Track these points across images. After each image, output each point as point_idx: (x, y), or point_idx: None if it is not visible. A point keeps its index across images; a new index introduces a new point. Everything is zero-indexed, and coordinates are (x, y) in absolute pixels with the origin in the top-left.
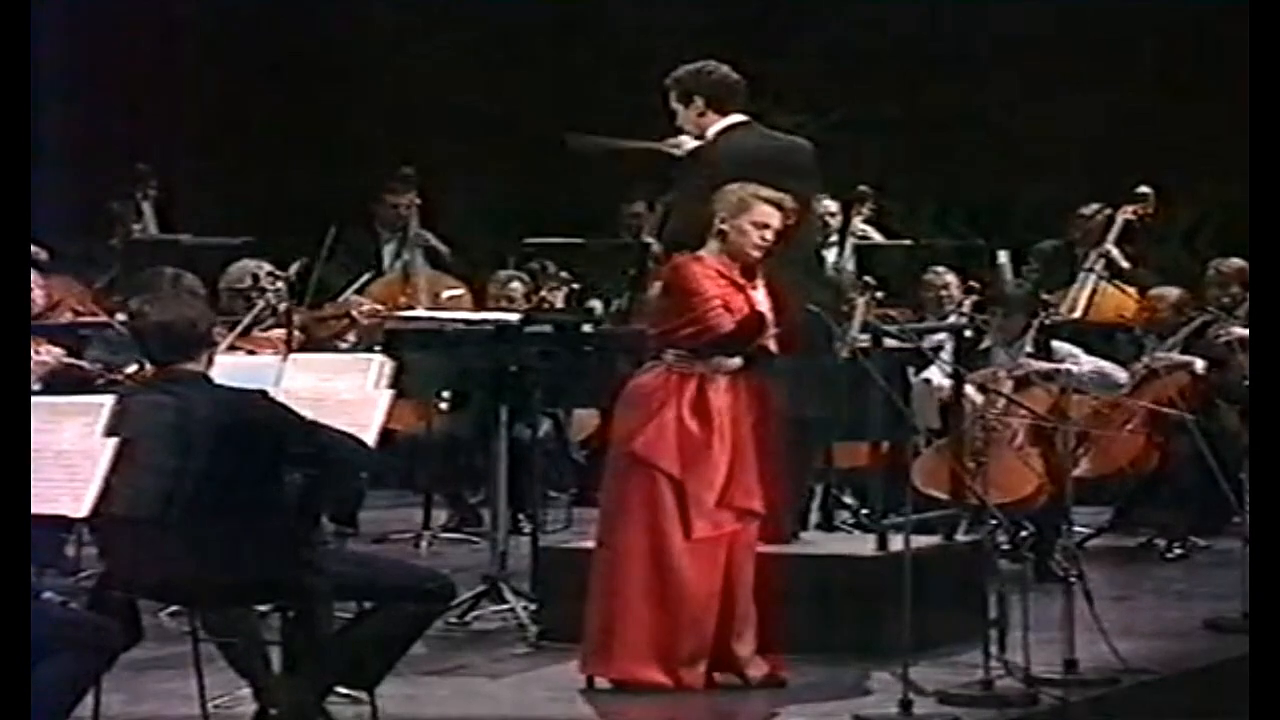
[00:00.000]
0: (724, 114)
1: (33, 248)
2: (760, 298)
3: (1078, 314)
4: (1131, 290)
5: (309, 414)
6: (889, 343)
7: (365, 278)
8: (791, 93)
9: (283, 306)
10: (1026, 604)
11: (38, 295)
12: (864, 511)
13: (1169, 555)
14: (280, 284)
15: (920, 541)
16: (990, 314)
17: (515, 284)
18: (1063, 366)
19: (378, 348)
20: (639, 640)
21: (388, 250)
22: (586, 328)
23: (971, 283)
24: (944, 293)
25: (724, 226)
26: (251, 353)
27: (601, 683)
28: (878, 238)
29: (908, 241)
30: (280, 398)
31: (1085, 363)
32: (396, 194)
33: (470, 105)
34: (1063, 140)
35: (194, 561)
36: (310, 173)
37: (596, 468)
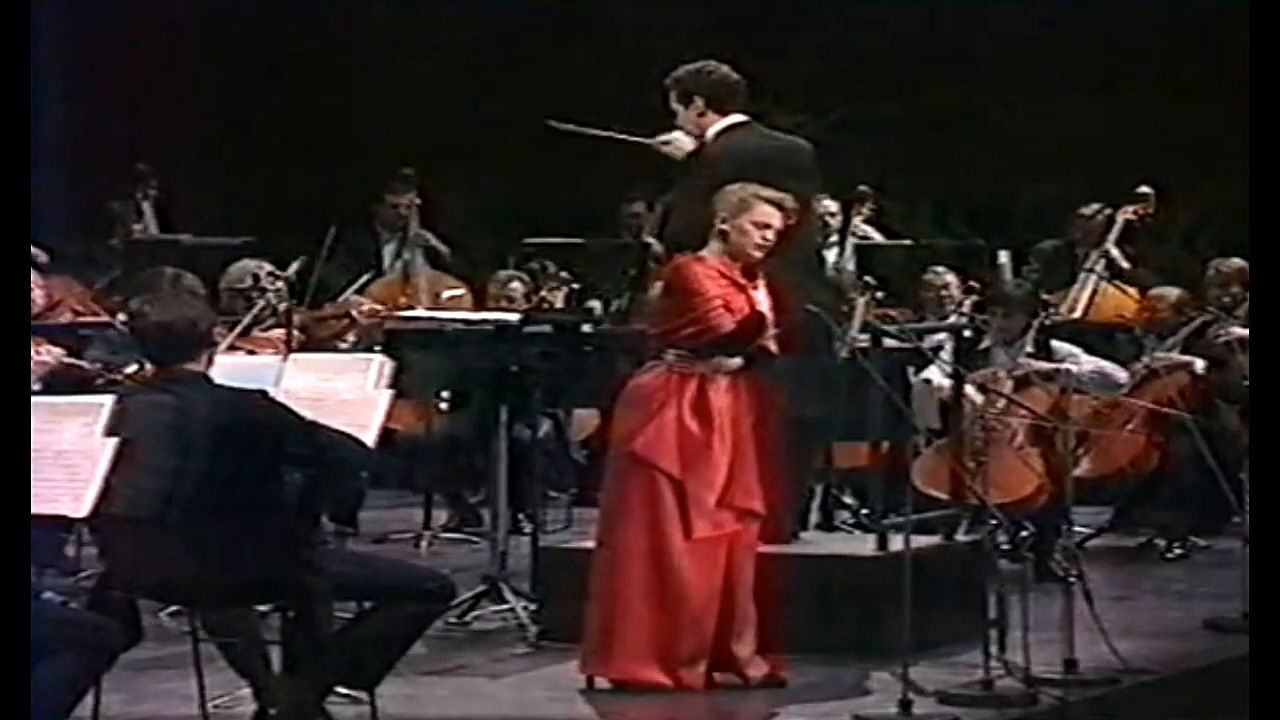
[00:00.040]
0: (724, 114)
1: (33, 249)
2: (761, 298)
3: (1078, 314)
4: (1132, 290)
5: (309, 414)
6: (889, 343)
7: (365, 278)
8: (791, 93)
9: (283, 306)
10: (1026, 604)
11: (38, 295)
12: (864, 511)
13: (1169, 555)
14: (280, 284)
15: (920, 541)
16: (990, 314)
17: (515, 284)
18: (1063, 366)
19: (378, 348)
20: (639, 640)
21: (388, 250)
22: (586, 328)
23: (971, 283)
24: (944, 293)
25: (725, 227)
26: (251, 353)
27: (601, 683)
28: (878, 238)
29: (908, 241)
30: (280, 398)
31: (1085, 362)
32: (396, 194)
33: (470, 105)
34: (1063, 140)
35: (194, 561)
36: (310, 173)
37: (596, 468)
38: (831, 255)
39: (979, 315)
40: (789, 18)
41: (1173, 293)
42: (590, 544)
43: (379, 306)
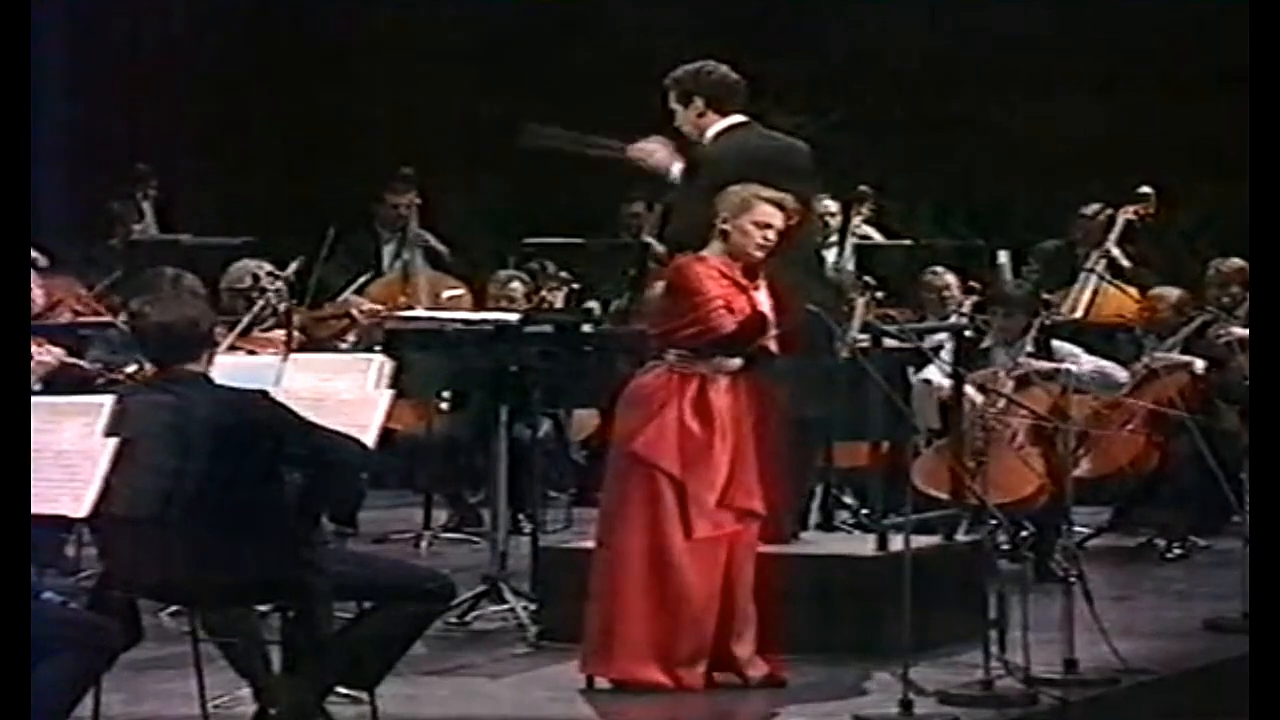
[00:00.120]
0: (723, 114)
1: (33, 253)
2: (762, 298)
3: (1078, 314)
4: (1132, 290)
5: (309, 414)
6: (889, 343)
7: (364, 278)
8: (791, 93)
9: (283, 306)
10: (1026, 604)
11: (38, 295)
12: (864, 511)
13: (1169, 555)
14: (280, 284)
15: (920, 541)
16: (991, 314)
17: (515, 284)
18: (1063, 366)
19: (378, 348)
20: (639, 640)
21: (388, 250)
22: (586, 328)
23: (972, 283)
24: (945, 293)
25: (726, 227)
26: (251, 353)
27: (601, 683)
28: (878, 238)
29: (908, 241)
30: (280, 398)
31: (1085, 362)
32: (396, 194)
33: (470, 105)
34: (1063, 140)
35: (194, 561)
36: (310, 173)
37: (596, 468)
38: (831, 255)
39: (979, 315)
40: (789, 18)
41: (1173, 293)
42: (590, 544)
43: (379, 306)
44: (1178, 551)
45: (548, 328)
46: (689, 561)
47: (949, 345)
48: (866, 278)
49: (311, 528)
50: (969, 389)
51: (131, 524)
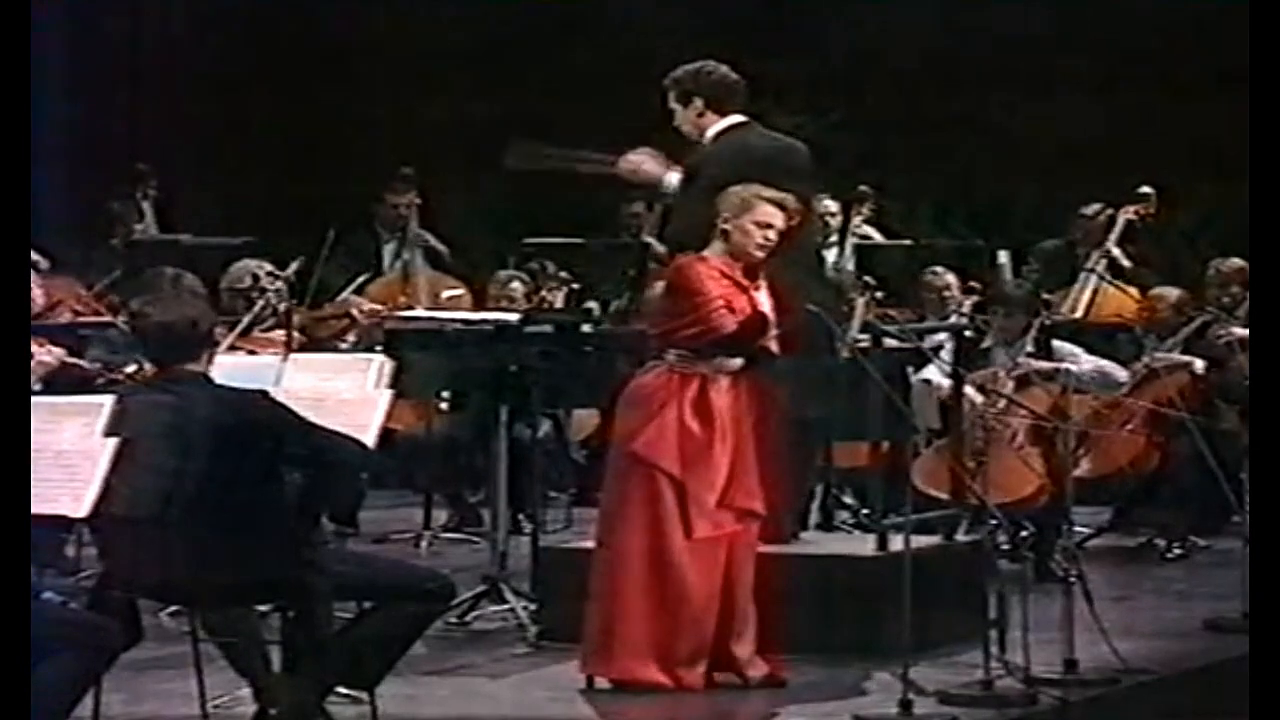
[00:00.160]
0: (723, 114)
1: (33, 255)
2: (763, 298)
3: (1079, 314)
4: (1132, 290)
5: (309, 414)
6: (889, 343)
7: (363, 278)
8: (791, 93)
9: (283, 306)
10: (1026, 604)
11: (38, 295)
12: (864, 511)
13: (1169, 555)
14: (280, 284)
15: (920, 541)
16: (991, 314)
17: (515, 284)
18: (1063, 366)
19: (378, 348)
20: (639, 640)
21: (388, 250)
22: (586, 328)
23: (972, 283)
24: (945, 293)
25: (727, 227)
26: (252, 353)
27: (601, 683)
28: (878, 238)
29: (908, 241)
30: (280, 398)
31: (1085, 362)
32: (396, 194)
33: (470, 105)
34: (1063, 140)
35: (194, 561)
36: (310, 173)
37: (596, 468)
38: (831, 255)
39: (979, 315)
40: (789, 18)
41: (1173, 293)
42: (590, 544)
43: (379, 306)
44: (1178, 551)
45: (548, 328)
46: (689, 561)
47: (949, 345)
48: (866, 278)
49: (311, 528)
50: (969, 389)
51: (131, 524)
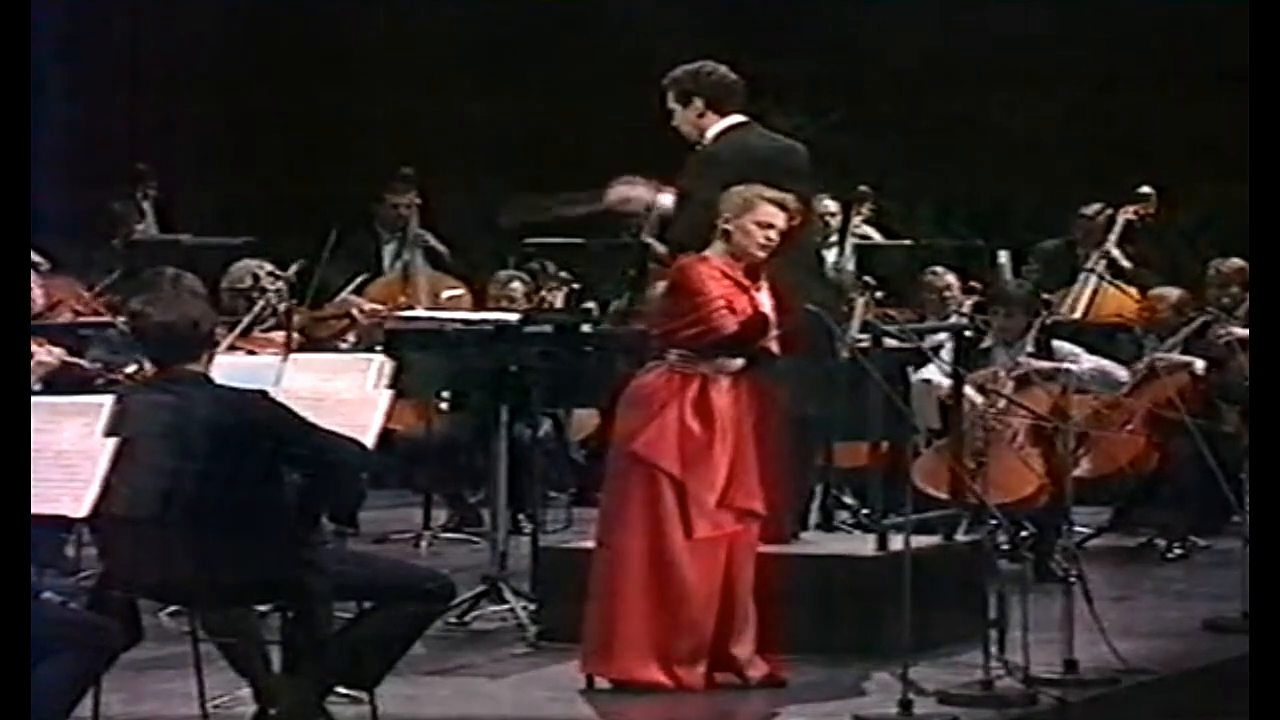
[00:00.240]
0: (723, 115)
1: (33, 255)
2: (764, 299)
3: (1078, 314)
4: (1132, 290)
5: (309, 414)
6: (889, 342)
7: (362, 278)
8: (791, 93)
9: (283, 306)
10: (1026, 604)
11: (38, 295)
12: (864, 511)
13: (1169, 555)
14: (280, 284)
15: (920, 541)
16: (991, 314)
17: (515, 284)
18: (1063, 365)
19: (378, 348)
20: (639, 640)
21: (388, 250)
22: (586, 328)
23: (972, 283)
24: (946, 293)
25: (728, 227)
26: (251, 353)
27: (601, 683)
28: (878, 238)
29: (908, 241)
30: (280, 398)
31: (1086, 362)
32: (396, 194)
33: (470, 105)
34: (1063, 140)
35: (194, 561)
36: (310, 173)
37: (596, 468)
38: (831, 255)
39: (979, 315)
40: (789, 18)
41: (1173, 293)
42: (590, 544)
43: (379, 306)
44: (1178, 551)
45: (548, 328)
46: (689, 561)
47: (949, 345)
48: (866, 278)
49: (311, 528)
50: (969, 389)
51: (131, 524)
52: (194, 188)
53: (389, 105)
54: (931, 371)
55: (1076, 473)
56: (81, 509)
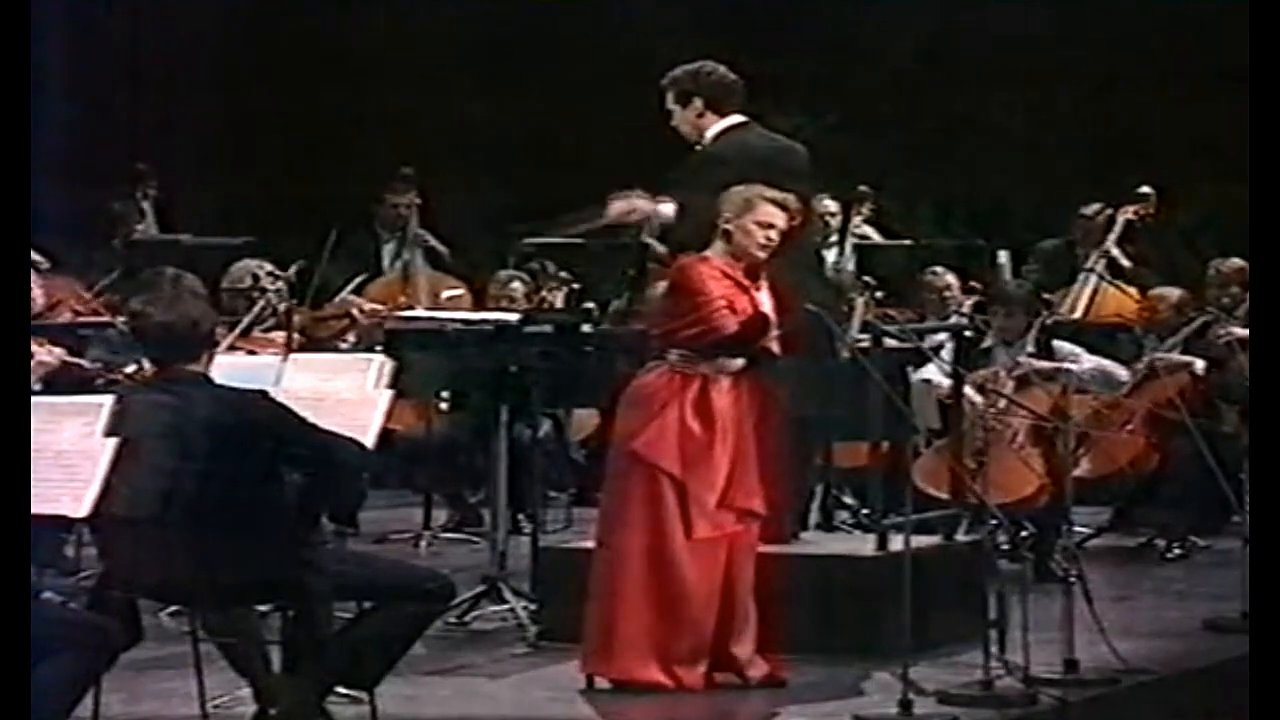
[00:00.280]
0: (722, 115)
1: (34, 255)
2: (764, 299)
3: (1078, 314)
4: (1132, 290)
5: (309, 414)
6: (889, 342)
7: (361, 278)
8: (790, 94)
9: (283, 307)
10: (1026, 604)
11: (37, 295)
12: (864, 511)
13: (1169, 555)
14: (281, 284)
15: (920, 541)
16: (992, 314)
17: (515, 284)
18: (1064, 365)
19: (378, 348)
20: (639, 640)
21: (387, 250)
22: (586, 328)
23: (972, 283)
24: (946, 293)
25: (729, 227)
26: (251, 353)
27: (601, 683)
28: (878, 238)
29: (908, 241)
30: (280, 398)
31: (1086, 361)
32: (396, 194)
33: (471, 106)
34: (1063, 140)
35: (194, 561)
36: (310, 173)
37: (596, 468)
38: (831, 255)
39: (979, 315)
40: (789, 18)
41: (1173, 293)
42: (590, 544)
43: (379, 306)
44: (1178, 551)
45: (548, 328)
46: (689, 561)
47: (949, 345)
48: (866, 278)
49: (311, 528)
50: (968, 390)
51: (131, 524)
52: (194, 188)
53: (389, 105)
54: (931, 371)
55: (1076, 473)
56: (81, 509)
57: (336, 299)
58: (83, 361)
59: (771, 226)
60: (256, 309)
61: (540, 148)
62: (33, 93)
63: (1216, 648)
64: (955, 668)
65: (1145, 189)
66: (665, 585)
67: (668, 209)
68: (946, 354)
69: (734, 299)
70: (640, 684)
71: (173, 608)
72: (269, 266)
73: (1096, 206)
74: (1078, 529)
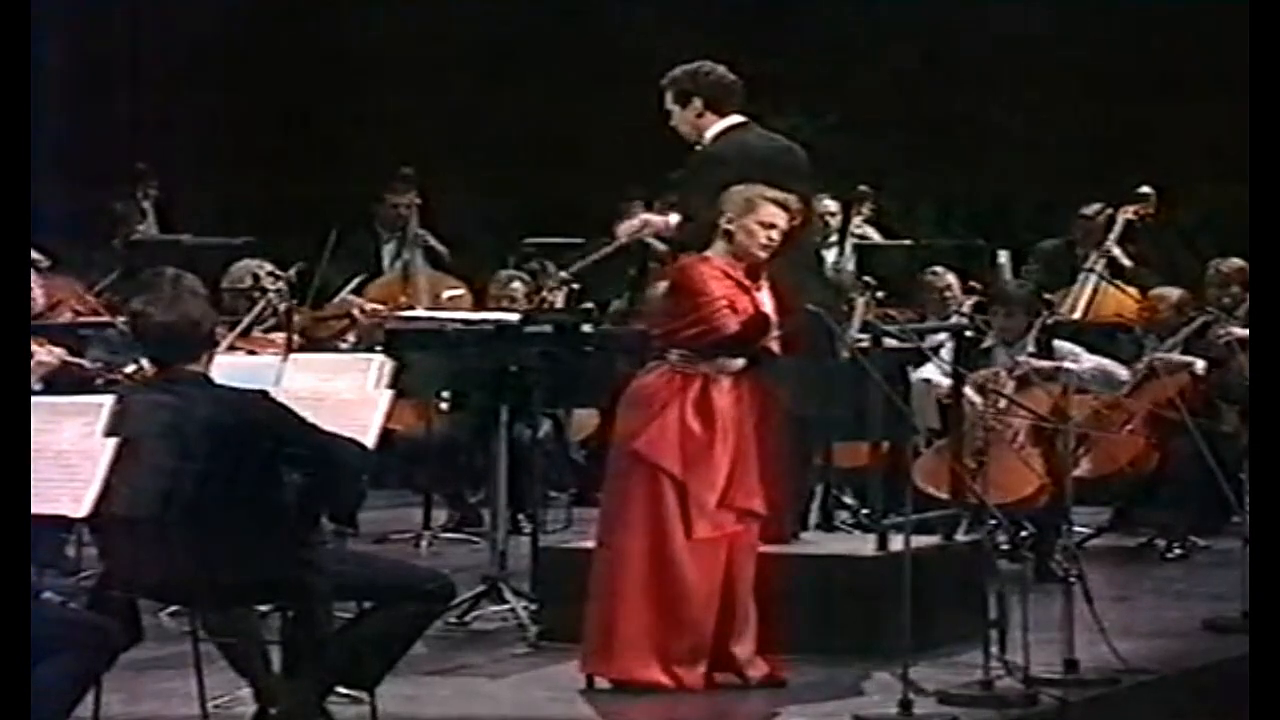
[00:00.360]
0: (722, 115)
1: (34, 254)
2: (765, 299)
3: (1078, 314)
4: (1132, 290)
5: (309, 414)
6: (889, 342)
7: (361, 278)
8: (790, 93)
9: (283, 306)
10: (1026, 604)
11: (38, 295)
12: (864, 511)
13: (1169, 555)
14: (281, 284)
15: (920, 541)
16: (992, 314)
17: (515, 284)
18: (1064, 365)
19: (378, 348)
20: (639, 640)
21: (388, 250)
22: (586, 328)
23: (972, 283)
24: (945, 293)
25: (730, 227)
26: (252, 353)
27: (601, 683)
28: (878, 238)
29: (908, 241)
30: (280, 398)
31: (1086, 361)
32: (396, 194)
33: (470, 105)
34: (1063, 140)
35: (194, 561)
36: (310, 173)
37: (596, 468)
38: (831, 255)
39: (980, 315)
40: (788, 18)
41: (1173, 293)
42: (590, 544)
43: (379, 306)
44: (1178, 551)
45: (548, 328)
46: (689, 561)
47: (949, 345)
48: (866, 278)
49: (311, 528)
50: (968, 390)
51: (131, 524)
52: (194, 188)
53: (389, 105)
54: (931, 371)
55: (1076, 473)
56: (81, 509)
57: (336, 299)
58: (83, 361)
59: (773, 227)
60: (257, 309)
61: (540, 147)
62: (33, 93)
63: (1216, 648)
64: (955, 668)
65: (1145, 189)
66: (665, 585)
67: (673, 219)
68: (946, 354)
69: (735, 299)
70: (640, 684)
71: (173, 608)
72: (269, 266)
73: (1096, 206)
74: (1078, 529)
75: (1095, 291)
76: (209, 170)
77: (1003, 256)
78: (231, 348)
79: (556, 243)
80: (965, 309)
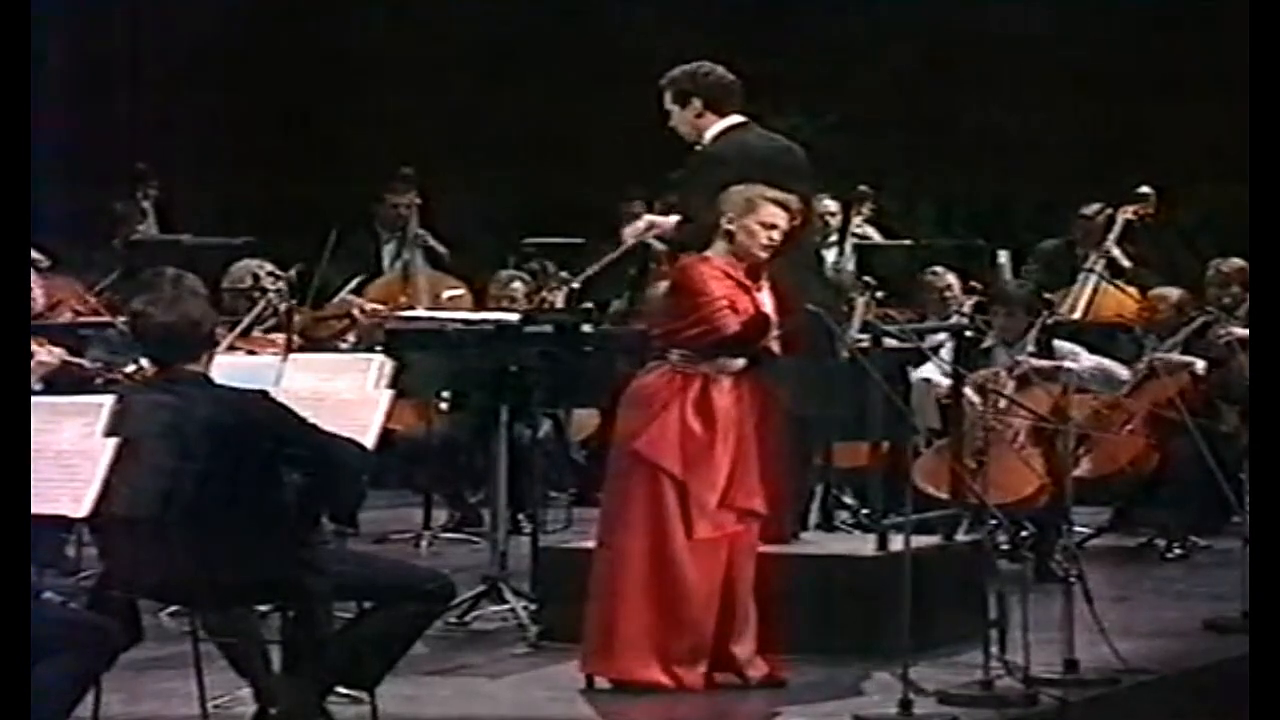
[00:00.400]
0: (721, 115)
1: (34, 254)
2: (765, 299)
3: (1078, 314)
4: (1132, 290)
5: (309, 414)
6: (889, 342)
7: (361, 278)
8: (790, 93)
9: (284, 307)
10: (1026, 604)
11: (38, 295)
12: (864, 511)
13: (1169, 555)
14: (281, 284)
15: (920, 541)
16: (992, 314)
17: (516, 284)
18: (1064, 364)
19: (378, 348)
20: (639, 640)
21: (387, 250)
22: (586, 328)
23: (972, 283)
24: (945, 293)
25: (731, 227)
26: (252, 353)
27: (601, 683)
28: (878, 238)
29: (908, 241)
30: (280, 398)
31: (1086, 360)
32: (396, 194)
33: (470, 105)
34: (1063, 140)
35: (194, 561)
36: (310, 173)
37: (596, 468)
38: (831, 255)
39: (980, 315)
40: (788, 18)
41: (1173, 293)
42: (590, 544)
43: (379, 306)
44: (1178, 551)
45: (548, 328)
46: (690, 561)
47: (949, 345)
48: (866, 278)
49: (311, 528)
50: (968, 390)
51: (131, 524)
52: (194, 188)
53: (389, 105)
54: (931, 371)
55: (1076, 473)
56: (81, 509)
57: (336, 299)
58: (83, 361)
59: (774, 227)
60: (257, 309)
61: (540, 147)
62: (33, 92)
63: (1216, 648)
64: (955, 668)
65: (1145, 189)
66: (666, 585)
67: (675, 220)
68: (946, 354)
69: (735, 299)
70: (640, 684)
71: (173, 608)
72: (269, 266)
73: (1096, 206)
74: (1078, 529)
75: (1095, 291)
76: (209, 170)
77: (1003, 256)
78: (231, 348)
79: (556, 243)
80: (965, 309)
